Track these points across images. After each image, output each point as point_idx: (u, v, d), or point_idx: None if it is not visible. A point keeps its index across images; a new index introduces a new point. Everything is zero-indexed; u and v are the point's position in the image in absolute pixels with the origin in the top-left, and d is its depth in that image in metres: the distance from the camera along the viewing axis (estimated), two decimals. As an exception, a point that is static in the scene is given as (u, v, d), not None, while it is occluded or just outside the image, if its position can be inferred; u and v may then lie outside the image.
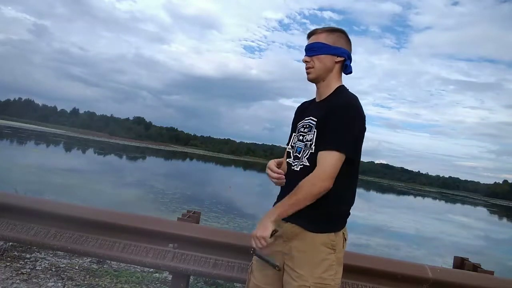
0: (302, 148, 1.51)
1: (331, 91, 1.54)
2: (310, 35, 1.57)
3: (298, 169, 1.50)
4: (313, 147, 1.46)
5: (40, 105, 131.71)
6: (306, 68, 1.55)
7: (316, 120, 1.49)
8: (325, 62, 1.51)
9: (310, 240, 1.42)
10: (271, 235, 1.39)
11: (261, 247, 1.38)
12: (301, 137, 1.54)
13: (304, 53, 1.58)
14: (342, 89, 1.54)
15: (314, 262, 1.41)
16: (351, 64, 1.57)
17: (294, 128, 1.64)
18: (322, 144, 1.42)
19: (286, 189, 1.55)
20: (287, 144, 1.69)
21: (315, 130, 1.47)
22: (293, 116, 1.72)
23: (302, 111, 1.65)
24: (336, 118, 1.42)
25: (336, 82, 1.55)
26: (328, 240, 1.43)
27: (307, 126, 1.53)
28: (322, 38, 1.52)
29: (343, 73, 1.58)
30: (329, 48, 1.51)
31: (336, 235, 1.44)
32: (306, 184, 1.37)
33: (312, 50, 1.53)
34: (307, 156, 1.47)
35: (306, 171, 1.44)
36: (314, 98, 1.65)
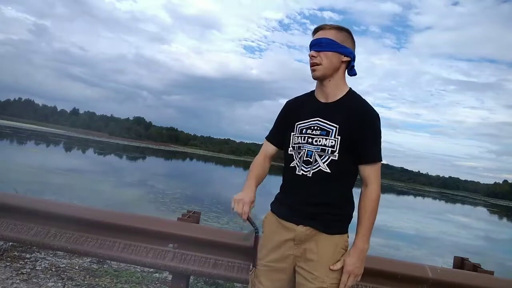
0: (313, 152, 1.45)
1: (343, 94, 1.48)
2: (317, 30, 1.50)
3: (310, 174, 1.44)
4: (337, 154, 1.42)
5: (40, 105, 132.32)
6: (312, 65, 1.47)
7: (336, 125, 1.43)
8: (332, 59, 1.45)
9: (325, 242, 1.44)
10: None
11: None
12: (310, 140, 1.46)
13: (307, 52, 1.51)
14: (355, 94, 1.51)
15: (331, 263, 1.43)
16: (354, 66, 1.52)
17: (287, 126, 1.55)
18: (365, 157, 1.44)
19: (294, 194, 1.51)
20: (271, 139, 1.63)
21: (338, 136, 1.42)
22: (283, 111, 1.62)
23: (298, 109, 1.56)
24: (373, 130, 1.44)
25: (344, 83, 1.51)
26: (342, 241, 1.46)
27: (318, 128, 1.46)
28: (330, 35, 1.45)
29: (347, 75, 1.53)
30: (337, 45, 1.44)
31: (347, 236, 1.49)
32: (371, 204, 1.42)
33: (320, 45, 1.45)
34: (327, 162, 1.43)
35: (325, 176, 1.43)
36: (311, 96, 1.56)
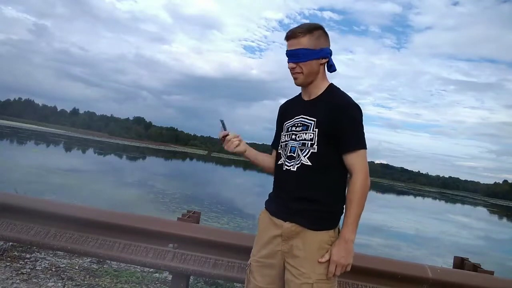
0: (296, 147, 1.50)
1: (322, 90, 1.54)
2: (289, 37, 1.50)
3: (295, 169, 1.49)
4: (316, 146, 1.45)
5: (40, 105, 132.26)
6: (293, 73, 1.53)
7: (314, 119, 1.48)
8: (312, 66, 1.50)
9: (311, 238, 1.45)
10: None
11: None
12: (293, 136, 1.53)
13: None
14: (335, 88, 1.56)
15: (316, 259, 1.44)
16: (332, 60, 1.55)
17: (281, 128, 1.63)
18: (345, 146, 1.44)
19: (281, 189, 1.56)
20: (274, 146, 1.69)
21: (316, 129, 1.47)
22: (277, 116, 1.70)
23: (287, 110, 1.65)
24: (350, 118, 1.45)
25: (323, 81, 1.56)
26: (328, 238, 1.46)
27: (300, 124, 1.52)
28: (304, 43, 1.47)
29: (328, 72, 1.58)
30: (313, 53, 1.48)
31: (334, 232, 1.48)
32: (355, 194, 1.41)
33: (296, 56, 1.49)
34: (308, 155, 1.47)
35: (307, 170, 1.46)
36: (298, 97, 1.65)
